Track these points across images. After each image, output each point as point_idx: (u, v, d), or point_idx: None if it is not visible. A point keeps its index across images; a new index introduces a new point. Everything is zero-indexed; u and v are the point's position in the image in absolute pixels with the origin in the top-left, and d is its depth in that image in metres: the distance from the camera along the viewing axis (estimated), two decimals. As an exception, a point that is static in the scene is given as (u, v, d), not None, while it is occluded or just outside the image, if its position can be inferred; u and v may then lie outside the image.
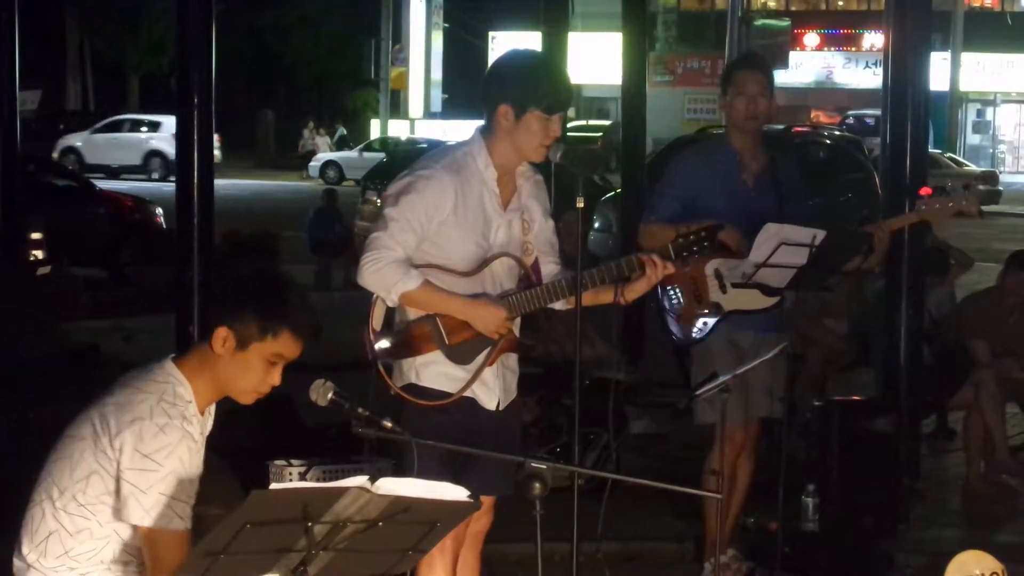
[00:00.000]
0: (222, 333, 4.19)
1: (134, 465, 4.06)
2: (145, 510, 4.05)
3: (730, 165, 7.05)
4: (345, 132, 51.16)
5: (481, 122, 5.56)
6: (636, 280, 5.52)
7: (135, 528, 4.10)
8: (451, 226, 5.41)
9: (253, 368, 4.21)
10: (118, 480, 4.08)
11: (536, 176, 5.68)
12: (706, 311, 6.96)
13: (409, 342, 5.46)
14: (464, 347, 5.46)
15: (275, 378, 4.26)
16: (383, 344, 5.49)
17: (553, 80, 5.47)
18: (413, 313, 5.46)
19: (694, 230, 5.65)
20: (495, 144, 5.48)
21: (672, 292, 7.02)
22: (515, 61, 5.60)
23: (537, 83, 5.41)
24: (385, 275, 5.32)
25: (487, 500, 5.54)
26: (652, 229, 6.74)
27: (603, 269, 5.50)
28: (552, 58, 5.90)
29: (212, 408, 4.36)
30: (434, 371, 5.47)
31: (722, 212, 6.61)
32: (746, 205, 6.95)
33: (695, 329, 7.02)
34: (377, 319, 5.49)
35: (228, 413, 4.48)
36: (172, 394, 4.16)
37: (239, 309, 4.19)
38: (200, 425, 4.23)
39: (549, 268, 5.66)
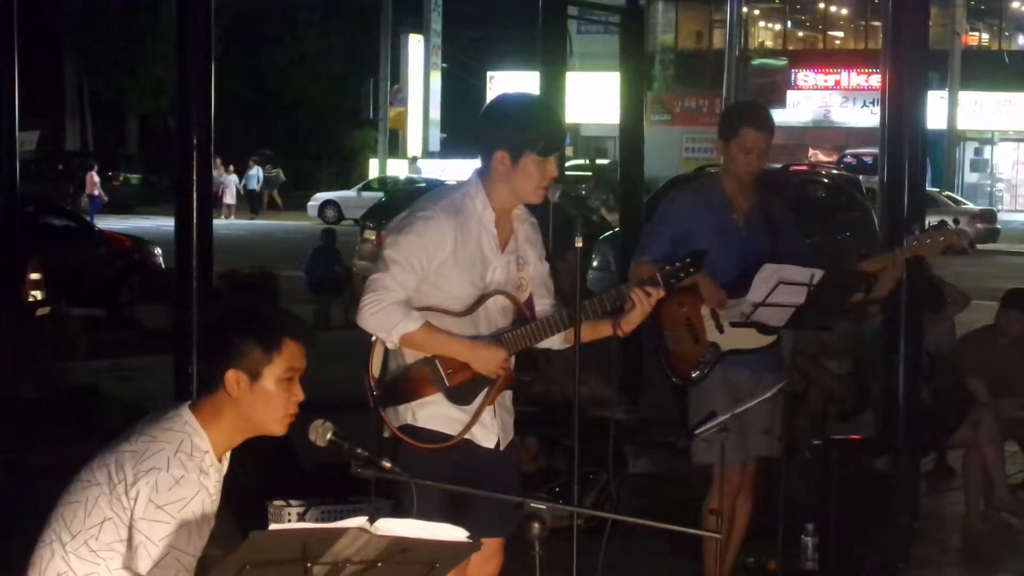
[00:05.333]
0: (232, 376, 4.19)
1: (147, 515, 4.05)
2: (153, 560, 4.05)
3: (721, 205, 7.07)
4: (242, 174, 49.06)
5: (478, 163, 5.58)
6: (630, 311, 5.54)
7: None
8: (450, 267, 5.42)
9: (274, 394, 4.22)
10: (131, 528, 4.07)
11: (531, 219, 5.70)
12: (703, 351, 6.97)
13: (409, 385, 5.46)
14: (464, 388, 5.46)
15: (298, 393, 4.26)
16: (384, 389, 5.49)
17: (546, 122, 5.48)
18: (411, 356, 5.46)
19: (679, 258, 5.69)
20: (493, 187, 5.49)
21: (669, 333, 7.03)
22: (507, 106, 5.61)
23: (531, 127, 5.42)
24: (386, 317, 5.32)
25: (495, 542, 5.54)
26: (642, 268, 6.72)
27: (596, 302, 5.52)
28: (543, 100, 5.92)
29: (228, 453, 4.36)
30: (431, 411, 5.47)
31: (713, 252, 6.62)
32: (737, 245, 6.97)
33: (692, 370, 7.02)
34: (376, 364, 5.50)
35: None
36: (190, 445, 4.15)
37: (237, 345, 4.20)
38: (217, 474, 4.22)
39: (543, 306, 5.67)
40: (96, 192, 44.45)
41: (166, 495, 4.06)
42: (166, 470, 4.08)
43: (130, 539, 4.07)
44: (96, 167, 45.68)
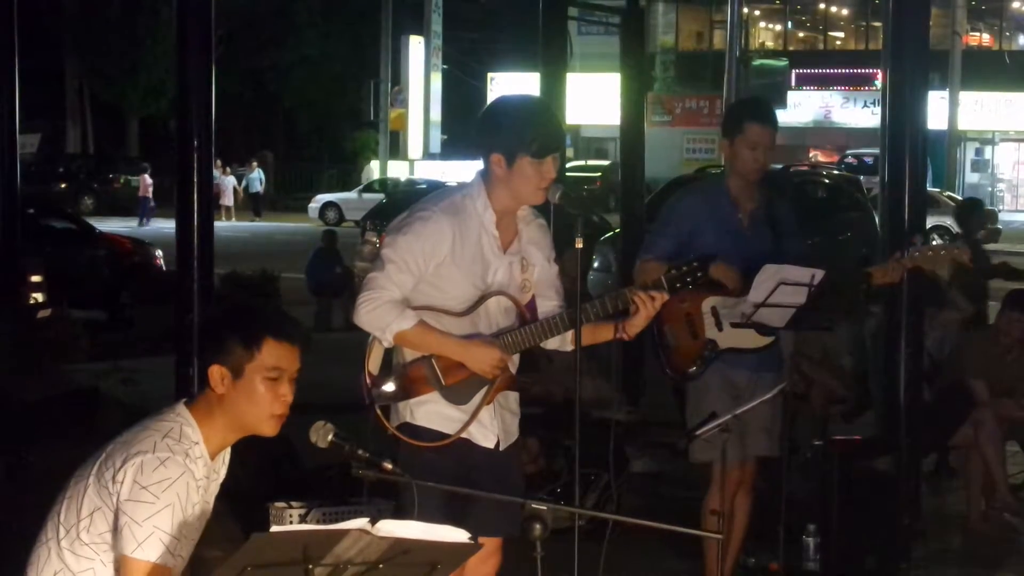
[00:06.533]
0: (216, 372, 4.22)
1: (132, 496, 4.05)
2: (138, 542, 4.04)
3: (725, 205, 7.06)
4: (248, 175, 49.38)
5: (480, 164, 5.58)
6: (635, 314, 5.52)
7: (124, 559, 4.07)
8: (448, 267, 5.42)
9: (258, 392, 4.22)
10: (116, 512, 4.08)
11: (539, 220, 5.69)
12: (702, 348, 6.96)
13: (405, 384, 5.47)
14: (460, 387, 5.46)
15: (285, 393, 4.26)
16: (380, 387, 5.50)
17: (540, 124, 5.47)
18: (409, 355, 5.47)
19: (686, 262, 5.66)
20: (493, 189, 5.50)
21: (668, 329, 7.02)
22: (502, 109, 5.62)
23: (524, 129, 5.41)
24: (380, 315, 5.34)
25: (493, 542, 5.53)
26: (647, 267, 6.72)
27: (597, 304, 5.50)
28: (539, 101, 5.89)
29: (227, 456, 4.37)
30: (429, 410, 5.48)
31: (717, 251, 6.61)
32: (741, 245, 6.96)
33: (689, 366, 7.02)
34: (374, 362, 5.51)
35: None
36: (179, 432, 4.17)
37: (220, 342, 4.22)
38: (207, 468, 4.22)
39: (548, 306, 5.65)
40: (149, 194, 44.40)
41: (151, 475, 4.06)
42: (152, 452, 4.09)
43: (116, 522, 4.08)
44: (149, 170, 45.65)
